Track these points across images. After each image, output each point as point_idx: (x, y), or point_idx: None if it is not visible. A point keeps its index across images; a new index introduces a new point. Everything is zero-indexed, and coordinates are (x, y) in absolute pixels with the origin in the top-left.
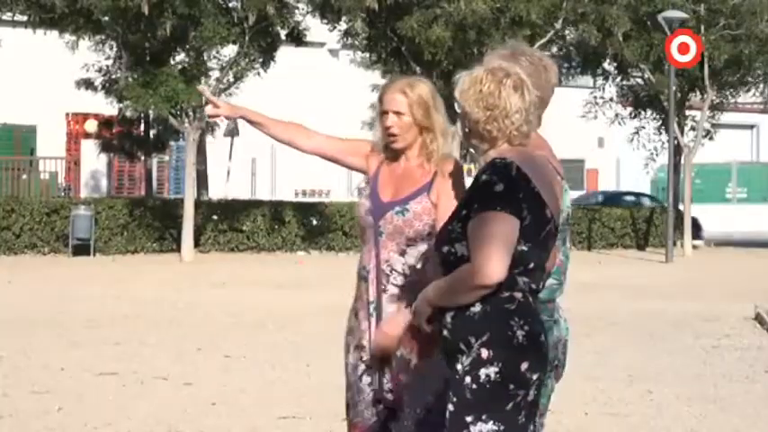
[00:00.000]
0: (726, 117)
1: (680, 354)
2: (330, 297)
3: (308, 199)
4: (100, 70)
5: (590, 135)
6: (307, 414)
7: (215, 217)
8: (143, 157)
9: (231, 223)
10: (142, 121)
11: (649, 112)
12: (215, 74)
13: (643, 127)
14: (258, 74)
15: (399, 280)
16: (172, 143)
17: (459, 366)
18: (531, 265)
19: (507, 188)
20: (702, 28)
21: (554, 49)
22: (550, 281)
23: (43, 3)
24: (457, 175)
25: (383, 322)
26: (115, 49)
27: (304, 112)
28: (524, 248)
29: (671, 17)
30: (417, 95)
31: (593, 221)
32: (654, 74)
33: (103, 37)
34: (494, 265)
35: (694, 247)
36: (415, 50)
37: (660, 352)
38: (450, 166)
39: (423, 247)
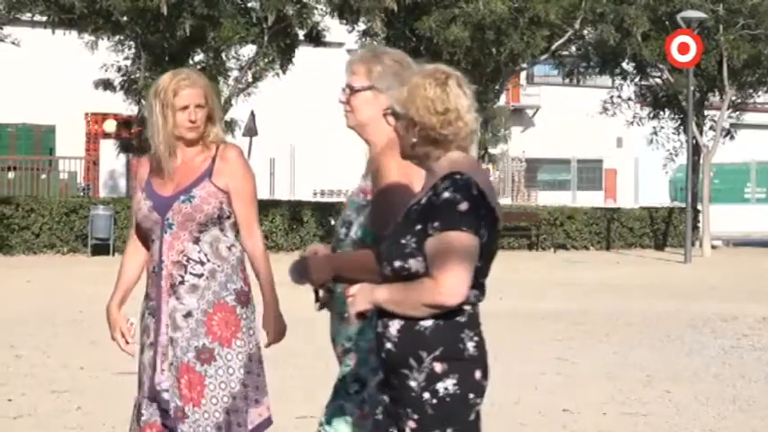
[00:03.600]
0: (745, 117)
1: (698, 354)
2: None
3: (326, 199)
4: (119, 70)
5: (608, 135)
6: None
7: None
8: None
9: None
10: None
11: (668, 112)
12: (234, 74)
13: (662, 127)
14: (277, 74)
15: (197, 269)
16: None
17: (413, 383)
18: (481, 280)
19: (470, 207)
20: (721, 28)
21: (572, 49)
22: None
23: (62, 3)
24: (237, 160)
25: (268, 324)
26: (134, 49)
27: (322, 113)
28: (479, 265)
29: (690, 17)
30: (205, 84)
31: (611, 221)
32: (672, 74)
33: (122, 37)
34: (458, 288)
35: (713, 247)
36: (434, 50)
37: (678, 352)
38: (233, 150)
39: (214, 232)
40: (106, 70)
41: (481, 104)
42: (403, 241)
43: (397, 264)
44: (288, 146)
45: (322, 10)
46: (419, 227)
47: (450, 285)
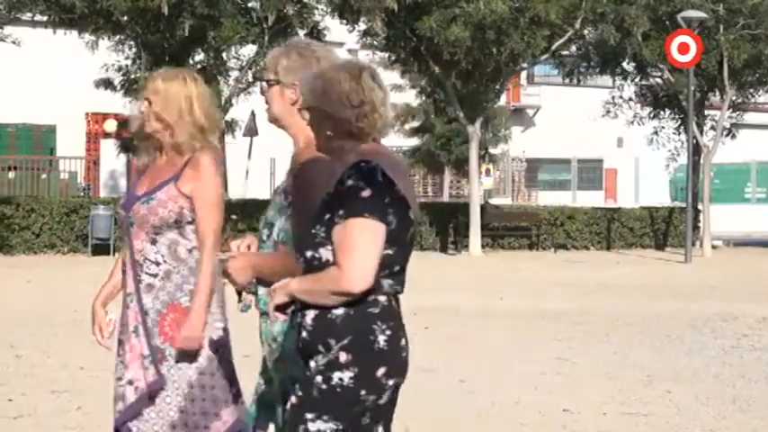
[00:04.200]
0: (745, 117)
1: (698, 354)
2: None
3: None
4: (119, 70)
5: (609, 135)
6: None
7: (234, 216)
8: None
9: (250, 223)
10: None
11: (668, 111)
12: (234, 74)
13: (662, 127)
14: None
15: (153, 269)
16: None
17: (312, 364)
18: (396, 268)
19: (374, 193)
20: (722, 28)
21: (573, 49)
22: None
23: (63, 3)
24: (204, 166)
25: (183, 328)
26: (134, 48)
27: None
28: (390, 252)
29: (690, 17)
30: (165, 89)
31: (612, 221)
32: (673, 74)
33: (123, 37)
34: (362, 274)
35: (713, 246)
36: (434, 50)
37: (679, 352)
38: (205, 157)
39: (171, 235)
40: (107, 70)
41: (481, 104)
42: (313, 231)
43: (309, 253)
44: (288, 146)
45: (322, 10)
46: (327, 216)
47: (354, 272)
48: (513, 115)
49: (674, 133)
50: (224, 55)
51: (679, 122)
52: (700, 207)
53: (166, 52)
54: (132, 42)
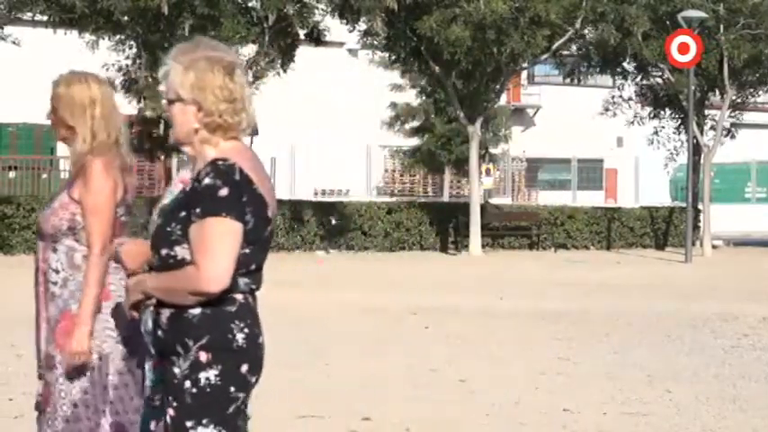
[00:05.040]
0: (745, 116)
1: (699, 353)
2: (349, 296)
3: (327, 198)
4: (119, 70)
5: (609, 134)
6: (325, 413)
7: None
8: (162, 157)
9: None
10: (161, 120)
11: (668, 111)
12: None
13: (662, 127)
14: (278, 73)
15: (53, 277)
16: None
17: (176, 370)
18: (253, 267)
19: (232, 192)
20: (722, 27)
21: (573, 49)
22: None
23: (63, 3)
24: (91, 172)
25: (70, 341)
26: (135, 48)
27: (323, 112)
28: (247, 251)
29: (690, 17)
30: (68, 93)
31: (612, 221)
32: (673, 73)
33: (123, 37)
34: (219, 274)
35: (714, 246)
36: (435, 50)
37: (679, 352)
38: (96, 162)
39: (68, 242)
40: (107, 70)
41: (482, 104)
42: (169, 229)
43: (164, 251)
44: (288, 145)
45: (323, 10)
46: (183, 213)
47: (212, 271)
48: (514, 115)
49: (674, 133)
50: None
51: (679, 122)
52: (700, 207)
53: (166, 52)
54: (132, 42)
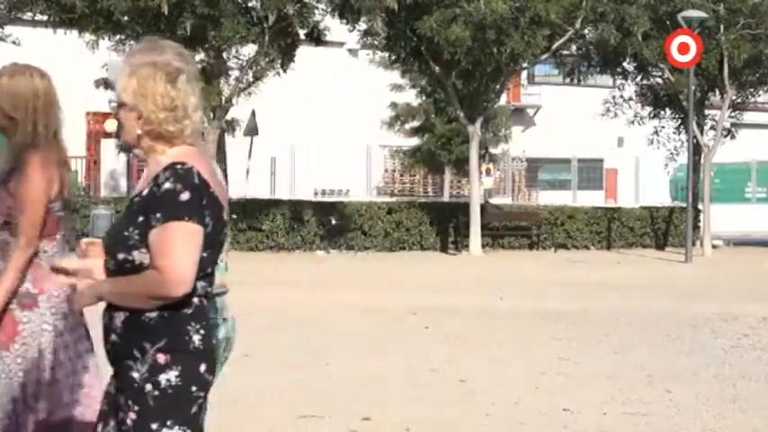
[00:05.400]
0: (745, 116)
1: (699, 353)
2: (349, 296)
3: (327, 198)
4: None
5: (609, 134)
6: (325, 413)
7: (234, 216)
8: None
9: (251, 222)
10: None
11: (669, 111)
12: (234, 73)
13: (662, 126)
14: (278, 73)
15: None
16: None
17: (135, 375)
18: (209, 270)
19: (193, 196)
20: (722, 27)
21: (573, 49)
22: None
23: (63, 3)
24: (26, 166)
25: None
26: None
27: (323, 112)
28: (205, 255)
29: (690, 17)
30: (11, 84)
31: (612, 221)
32: (673, 73)
33: (123, 37)
34: (183, 278)
35: (714, 246)
36: (435, 50)
37: (679, 352)
38: (32, 155)
39: (4, 236)
40: (107, 70)
41: (482, 104)
42: (126, 233)
43: (121, 256)
44: (288, 145)
45: (323, 9)
46: (141, 218)
47: (176, 276)
48: (514, 115)
49: (674, 133)
50: (224, 55)
51: (679, 122)
52: (700, 207)
53: None
54: (133, 42)
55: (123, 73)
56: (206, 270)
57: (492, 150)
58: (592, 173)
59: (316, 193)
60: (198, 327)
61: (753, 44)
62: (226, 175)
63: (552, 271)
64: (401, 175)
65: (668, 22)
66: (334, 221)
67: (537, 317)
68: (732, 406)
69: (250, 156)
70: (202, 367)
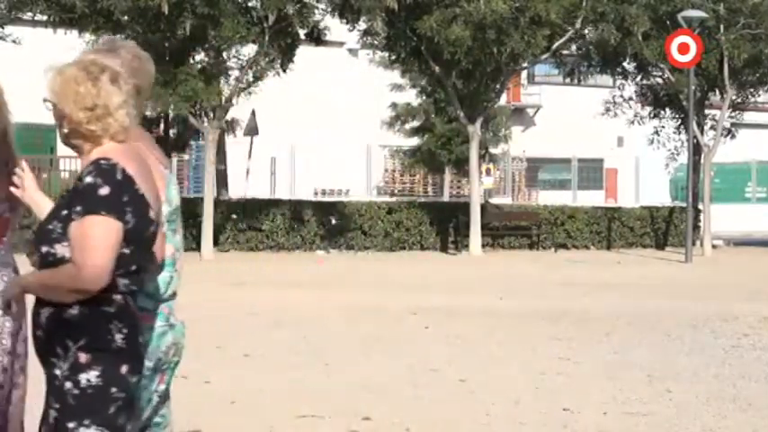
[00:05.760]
0: (745, 116)
1: (699, 353)
2: (349, 296)
3: (327, 198)
4: None
5: (609, 134)
6: (325, 413)
7: (234, 216)
8: None
9: (251, 222)
10: (162, 120)
11: (669, 111)
12: (234, 73)
13: (663, 126)
14: (278, 73)
15: None
16: (191, 142)
17: (57, 372)
18: (133, 268)
19: (112, 192)
20: (722, 27)
21: (573, 49)
22: (164, 274)
23: (63, 2)
24: None
25: None
26: None
27: (323, 112)
28: (127, 251)
29: (690, 16)
30: None
31: (612, 221)
32: (673, 73)
33: (123, 36)
34: (97, 272)
35: (714, 246)
36: (435, 50)
37: (679, 351)
38: None
39: None
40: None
41: (482, 104)
42: (50, 227)
43: (44, 249)
44: (288, 145)
45: (323, 9)
46: (65, 212)
47: (90, 270)
48: (514, 115)
49: (674, 133)
50: (224, 54)
51: (679, 122)
52: (700, 206)
53: (167, 52)
54: (132, 42)
55: (53, 72)
56: (129, 268)
57: (492, 150)
58: (592, 173)
59: (316, 193)
60: (121, 326)
61: (753, 44)
62: (225, 175)
63: (552, 271)
64: (401, 175)
65: (668, 22)
66: (334, 221)
67: (537, 317)
68: (732, 406)
69: (250, 156)
70: (124, 368)
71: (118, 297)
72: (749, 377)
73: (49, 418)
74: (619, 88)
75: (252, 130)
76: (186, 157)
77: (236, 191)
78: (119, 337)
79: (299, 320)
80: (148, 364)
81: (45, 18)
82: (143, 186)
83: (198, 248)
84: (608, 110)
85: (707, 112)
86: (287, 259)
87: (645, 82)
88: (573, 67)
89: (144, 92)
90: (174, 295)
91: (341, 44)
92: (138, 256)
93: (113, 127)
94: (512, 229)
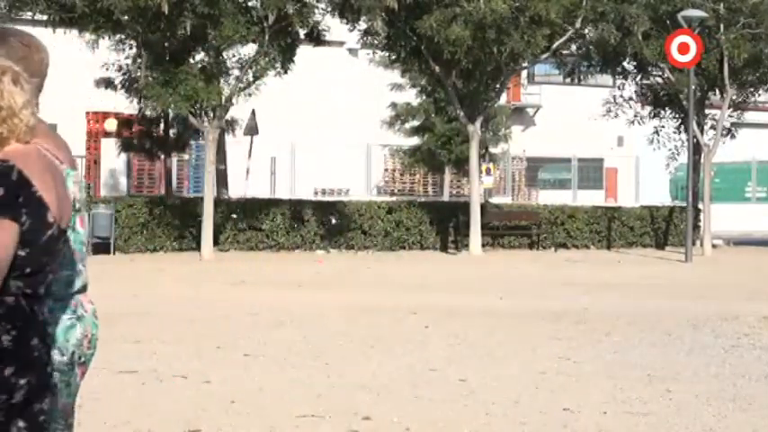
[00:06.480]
0: (745, 116)
1: (699, 353)
2: (349, 296)
3: (327, 198)
4: (120, 69)
5: (609, 134)
6: (325, 413)
7: (234, 216)
8: (163, 156)
9: (251, 222)
10: (162, 119)
11: (669, 111)
12: (234, 73)
13: (663, 126)
14: (278, 73)
15: None
16: (191, 142)
17: None
18: (28, 270)
19: (6, 193)
20: (722, 27)
21: (573, 48)
22: (68, 272)
23: (63, 2)
24: None
25: None
26: (135, 48)
27: (323, 112)
28: (22, 254)
29: (690, 16)
30: None
31: (612, 220)
32: (673, 73)
33: (123, 36)
34: None
35: (714, 246)
36: (435, 49)
37: (679, 351)
38: None
39: None
40: (107, 69)
41: (482, 103)
42: None
43: None
44: (288, 145)
45: (323, 9)
46: None
47: None
48: (514, 114)
49: (674, 132)
50: (224, 54)
51: (679, 122)
52: (700, 206)
53: (167, 51)
54: (133, 41)
55: None
56: (24, 270)
57: (492, 150)
58: (592, 172)
59: (316, 193)
60: (9, 327)
61: (753, 44)
62: (225, 175)
63: (552, 271)
64: (401, 175)
65: (668, 22)
66: (334, 221)
67: (537, 317)
68: (732, 405)
69: (250, 155)
70: (8, 370)
71: (10, 299)
72: (749, 377)
73: None
74: (619, 88)
75: (252, 130)
76: (186, 156)
77: (236, 190)
78: (5, 339)
79: (299, 320)
80: (62, 359)
81: (45, 18)
82: (41, 187)
83: (198, 248)
84: (608, 110)
85: (707, 111)
86: (287, 259)
87: (645, 82)
88: (573, 66)
89: (41, 86)
90: (84, 288)
91: (341, 44)
92: (34, 258)
93: (19, 128)
94: (512, 229)
